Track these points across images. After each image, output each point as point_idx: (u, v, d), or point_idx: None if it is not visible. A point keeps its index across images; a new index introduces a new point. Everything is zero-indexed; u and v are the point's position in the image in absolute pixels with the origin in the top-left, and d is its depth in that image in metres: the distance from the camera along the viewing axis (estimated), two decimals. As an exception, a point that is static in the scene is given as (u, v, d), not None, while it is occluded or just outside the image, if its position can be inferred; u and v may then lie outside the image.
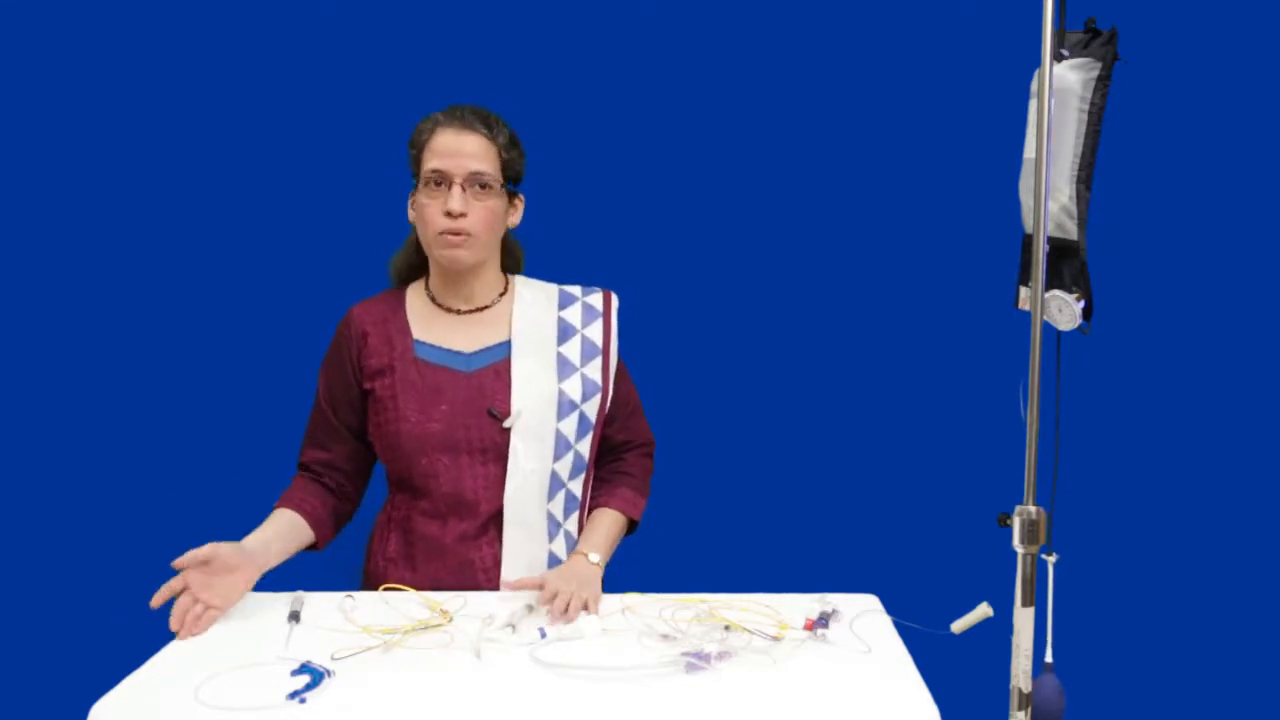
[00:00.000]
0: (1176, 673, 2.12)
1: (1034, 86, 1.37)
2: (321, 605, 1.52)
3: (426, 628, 1.41)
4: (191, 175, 2.19)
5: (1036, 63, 1.30)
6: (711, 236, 2.25)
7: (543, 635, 1.40)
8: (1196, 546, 2.15)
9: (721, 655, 1.31)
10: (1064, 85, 1.35)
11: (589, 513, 1.73)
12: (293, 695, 1.22)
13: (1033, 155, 1.33)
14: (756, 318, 2.27)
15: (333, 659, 1.32)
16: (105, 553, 2.19)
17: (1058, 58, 1.34)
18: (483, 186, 1.59)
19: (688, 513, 2.19)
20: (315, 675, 1.27)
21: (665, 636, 1.38)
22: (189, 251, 2.21)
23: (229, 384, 2.22)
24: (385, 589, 1.57)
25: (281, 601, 1.52)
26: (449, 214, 1.57)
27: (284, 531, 1.61)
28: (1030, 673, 1.32)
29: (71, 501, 2.20)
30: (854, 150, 2.21)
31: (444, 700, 1.23)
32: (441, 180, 1.58)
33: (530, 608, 1.49)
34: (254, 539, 1.56)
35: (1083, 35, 1.36)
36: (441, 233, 1.59)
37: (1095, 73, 1.35)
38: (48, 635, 2.16)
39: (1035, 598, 1.32)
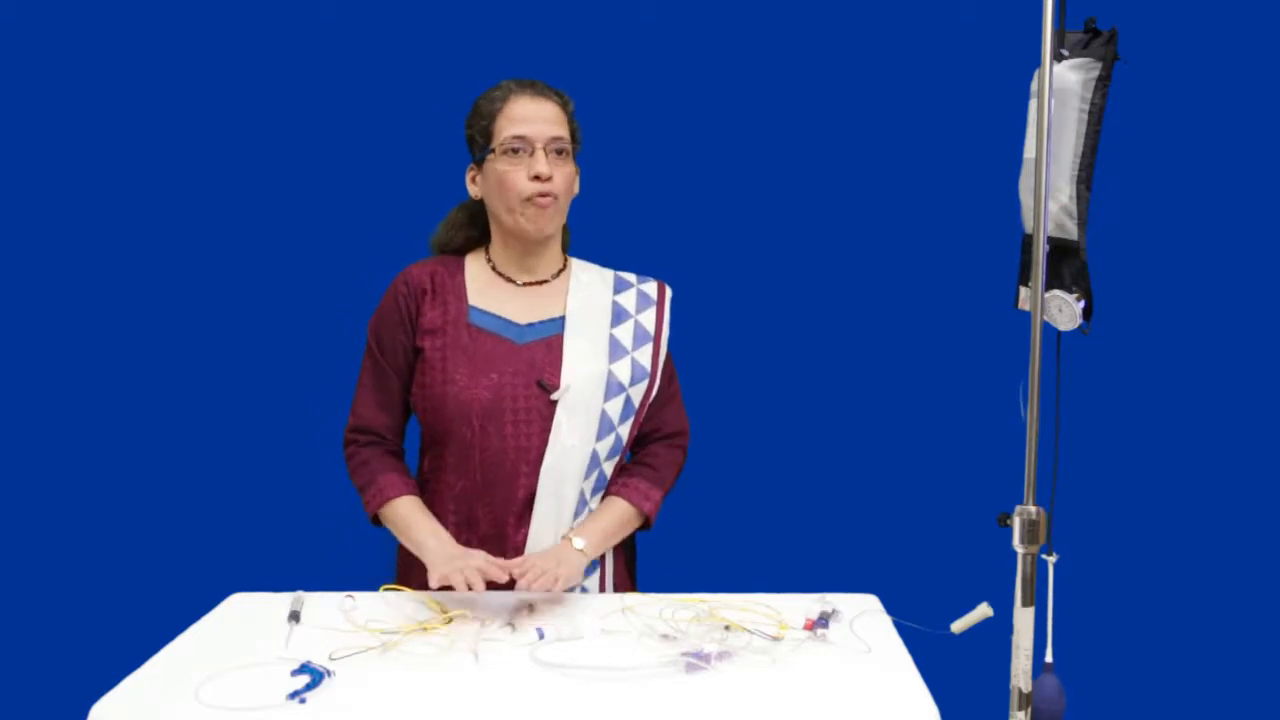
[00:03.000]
0: (1176, 673, 2.12)
1: (1034, 86, 1.37)
2: (321, 605, 1.52)
3: (425, 629, 1.41)
4: (197, 168, 2.20)
5: (1036, 63, 1.30)
6: (710, 235, 2.25)
7: (541, 636, 1.40)
8: (1196, 546, 2.15)
9: (721, 655, 1.31)
10: (1064, 85, 1.35)
11: (602, 498, 1.70)
12: (293, 695, 1.22)
13: (1033, 155, 1.33)
14: (756, 318, 2.27)
15: (330, 659, 1.32)
16: (105, 553, 2.19)
17: (1058, 58, 1.34)
18: (559, 153, 1.61)
19: (688, 513, 2.18)
20: (315, 675, 1.27)
21: (665, 636, 1.38)
22: (195, 247, 2.22)
23: (228, 384, 2.22)
24: (385, 589, 1.57)
25: (281, 601, 1.53)
26: (537, 177, 1.58)
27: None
28: (1030, 673, 1.32)
29: (72, 501, 2.20)
30: (854, 150, 2.21)
31: (444, 700, 1.22)
32: (521, 147, 1.59)
33: (531, 607, 1.49)
34: (444, 534, 1.57)
35: (1083, 35, 1.36)
36: (529, 198, 1.59)
37: (1095, 73, 1.35)
38: (48, 635, 2.16)
39: (1035, 598, 1.32)
